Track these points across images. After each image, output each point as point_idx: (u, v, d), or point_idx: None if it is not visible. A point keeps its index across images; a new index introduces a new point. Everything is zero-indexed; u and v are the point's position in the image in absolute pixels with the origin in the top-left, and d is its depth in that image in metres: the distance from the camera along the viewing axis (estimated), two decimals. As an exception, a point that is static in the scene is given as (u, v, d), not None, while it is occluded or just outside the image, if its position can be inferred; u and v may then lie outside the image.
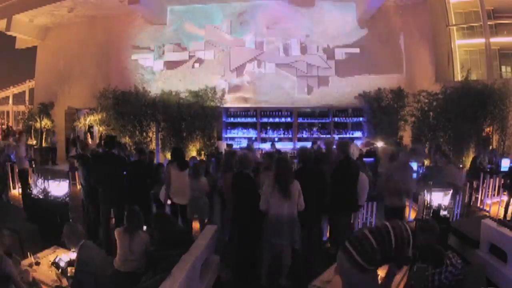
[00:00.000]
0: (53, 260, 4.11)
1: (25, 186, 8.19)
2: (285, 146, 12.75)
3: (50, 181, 6.30)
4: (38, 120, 15.44)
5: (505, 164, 9.13)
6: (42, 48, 16.68)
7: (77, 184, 10.35)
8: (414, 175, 6.29)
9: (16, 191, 9.61)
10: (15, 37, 16.71)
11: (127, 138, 13.28)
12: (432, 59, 13.59)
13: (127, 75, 14.06)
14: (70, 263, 4.02)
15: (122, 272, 4.24)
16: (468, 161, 11.33)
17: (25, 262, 4.20)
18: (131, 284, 3.96)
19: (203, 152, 12.69)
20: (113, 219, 6.17)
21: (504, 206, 7.91)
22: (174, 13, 14.21)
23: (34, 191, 6.58)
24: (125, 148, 10.13)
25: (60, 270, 3.97)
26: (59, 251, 4.60)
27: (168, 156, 11.44)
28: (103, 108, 13.68)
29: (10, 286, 3.39)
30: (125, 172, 6.06)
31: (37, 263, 4.23)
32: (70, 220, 6.20)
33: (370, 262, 3.24)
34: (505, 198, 8.06)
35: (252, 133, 13.66)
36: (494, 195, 8.78)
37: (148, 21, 14.21)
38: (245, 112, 13.79)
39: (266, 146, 12.59)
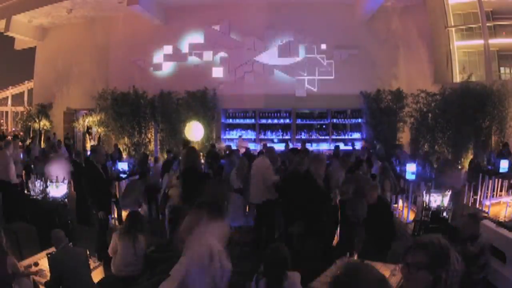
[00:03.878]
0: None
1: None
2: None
3: (49, 182, 6.28)
4: (37, 121, 15.41)
5: (503, 165, 9.10)
6: (41, 49, 16.66)
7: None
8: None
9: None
10: (14, 37, 16.68)
11: (125, 139, 13.28)
12: (431, 60, 13.61)
13: (126, 76, 14.03)
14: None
15: (118, 277, 4.23)
16: (466, 163, 11.36)
17: (24, 263, 4.19)
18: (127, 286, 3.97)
19: None
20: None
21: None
22: (173, 13, 14.20)
23: (33, 192, 6.56)
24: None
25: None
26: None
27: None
28: (102, 109, 13.67)
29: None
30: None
31: (36, 264, 4.22)
32: (69, 222, 6.21)
33: None
34: (505, 199, 8.07)
35: (251, 134, 13.67)
36: (493, 196, 8.79)
37: (147, 22, 14.20)
38: (243, 113, 13.81)
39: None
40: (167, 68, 14.26)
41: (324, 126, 13.76)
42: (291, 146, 11.84)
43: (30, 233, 5.68)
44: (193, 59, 14.04)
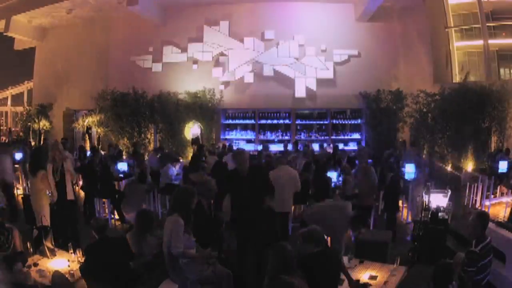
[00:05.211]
0: None
1: None
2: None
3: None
4: (36, 121, 15.39)
5: (502, 166, 9.08)
6: (41, 49, 16.64)
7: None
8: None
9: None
10: (13, 38, 16.67)
11: (125, 139, 13.27)
12: (431, 60, 13.60)
13: (126, 76, 14.02)
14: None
15: None
16: (466, 163, 11.38)
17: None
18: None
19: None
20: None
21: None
22: (173, 14, 14.20)
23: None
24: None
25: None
26: (57, 252, 4.59)
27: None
28: (101, 109, 13.67)
29: None
30: None
31: (35, 265, 4.22)
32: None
33: None
34: (505, 199, 8.05)
35: (250, 135, 13.67)
36: (494, 196, 8.78)
37: (147, 22, 14.20)
38: (243, 113, 13.80)
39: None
40: (167, 68, 14.25)
41: (323, 127, 13.75)
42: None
43: (30, 233, 5.68)
44: (193, 59, 14.04)
